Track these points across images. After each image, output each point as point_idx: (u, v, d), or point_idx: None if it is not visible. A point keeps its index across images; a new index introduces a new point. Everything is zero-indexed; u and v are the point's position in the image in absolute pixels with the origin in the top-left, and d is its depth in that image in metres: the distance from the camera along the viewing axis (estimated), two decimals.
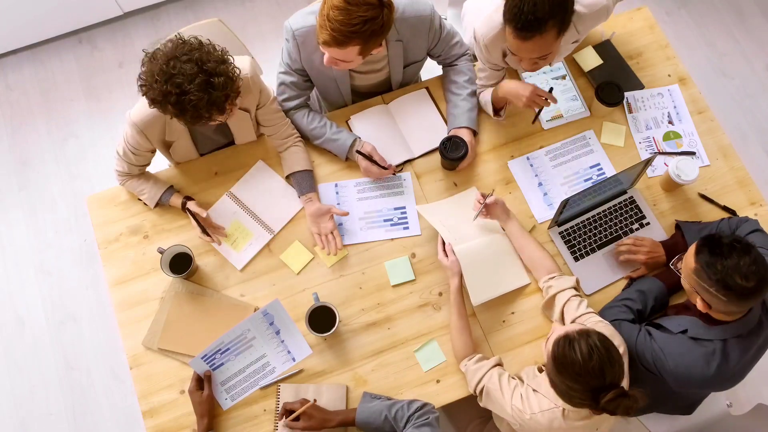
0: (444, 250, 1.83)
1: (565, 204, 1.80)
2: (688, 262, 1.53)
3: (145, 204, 1.96)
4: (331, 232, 1.90)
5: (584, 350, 1.36)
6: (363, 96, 2.13)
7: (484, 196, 1.85)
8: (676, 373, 1.60)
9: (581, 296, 1.75)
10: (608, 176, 1.94)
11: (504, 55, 1.93)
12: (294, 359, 1.81)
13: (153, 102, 1.58)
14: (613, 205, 1.98)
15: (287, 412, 1.70)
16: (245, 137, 1.99)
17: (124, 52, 3.14)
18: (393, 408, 1.65)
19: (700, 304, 1.54)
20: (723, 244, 1.46)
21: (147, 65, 1.57)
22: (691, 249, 1.52)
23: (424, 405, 1.66)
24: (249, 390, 1.79)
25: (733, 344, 1.57)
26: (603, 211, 1.97)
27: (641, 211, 1.97)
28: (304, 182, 1.94)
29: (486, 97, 2.02)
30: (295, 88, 1.96)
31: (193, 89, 1.50)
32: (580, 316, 1.67)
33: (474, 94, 2.04)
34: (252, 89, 1.81)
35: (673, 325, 1.66)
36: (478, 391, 1.69)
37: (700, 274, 1.48)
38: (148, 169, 1.99)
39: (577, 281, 1.78)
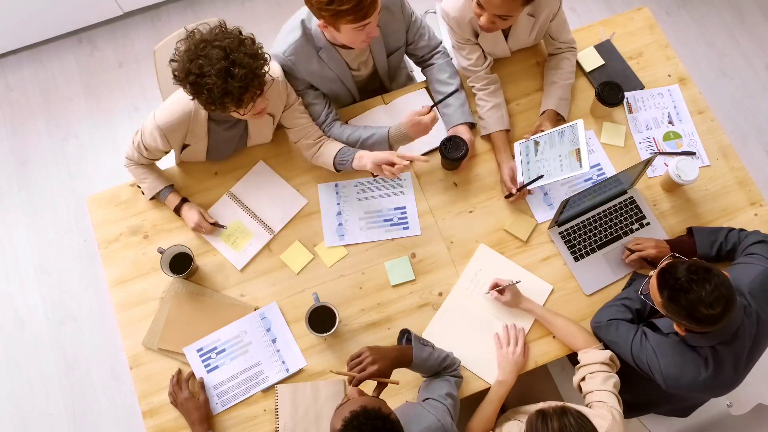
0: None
1: (565, 204, 1.80)
2: (653, 294, 1.51)
3: (142, 193, 1.96)
4: (393, 164, 1.83)
5: (555, 428, 1.33)
6: (366, 92, 2.14)
7: (496, 286, 1.84)
8: (667, 375, 1.60)
9: (610, 372, 1.67)
10: (608, 176, 1.94)
11: (476, 35, 1.97)
12: (288, 370, 1.81)
13: (175, 78, 1.60)
14: (613, 206, 1.98)
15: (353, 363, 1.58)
16: (260, 139, 1.99)
17: (124, 52, 3.14)
18: (442, 361, 1.68)
19: (677, 329, 1.54)
20: (680, 279, 1.43)
21: (183, 41, 1.59)
22: (653, 283, 1.50)
23: (456, 361, 1.73)
24: (240, 397, 1.80)
25: (723, 351, 1.56)
26: (603, 212, 1.97)
27: (641, 211, 1.97)
28: (348, 152, 1.91)
29: (485, 118, 2.03)
30: (320, 103, 1.94)
31: (212, 73, 1.52)
32: (594, 392, 1.63)
33: (461, 87, 2.04)
34: (281, 94, 1.82)
35: (665, 325, 1.67)
36: None
37: (667, 308, 1.48)
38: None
39: (612, 357, 1.69)
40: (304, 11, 1.82)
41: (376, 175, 1.93)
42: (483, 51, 2.02)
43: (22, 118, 3.02)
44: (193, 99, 1.63)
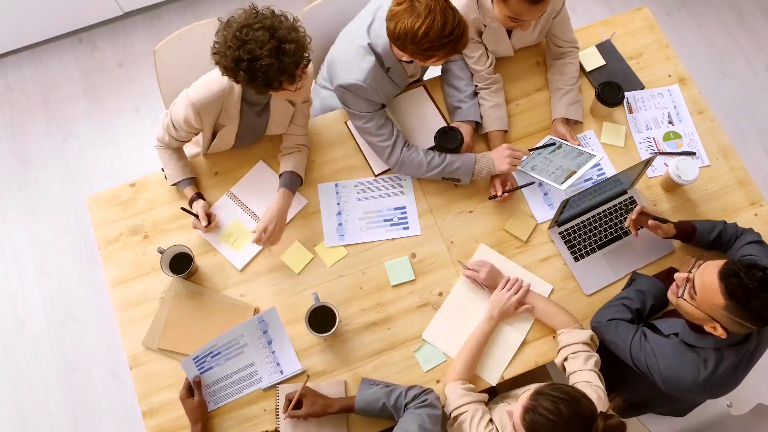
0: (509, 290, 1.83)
1: (565, 204, 1.80)
2: (712, 298, 1.47)
3: (164, 177, 1.97)
4: (277, 230, 1.87)
5: (548, 406, 1.33)
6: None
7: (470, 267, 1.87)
8: (666, 376, 1.59)
9: (590, 351, 1.69)
10: (608, 176, 1.94)
11: (479, 34, 1.97)
12: (282, 372, 1.81)
13: (225, 69, 1.59)
14: (613, 205, 1.98)
15: (289, 402, 1.70)
16: (278, 128, 1.97)
17: (124, 52, 3.14)
18: (392, 395, 1.65)
19: (719, 332, 1.50)
20: (750, 282, 1.42)
21: (221, 33, 1.58)
22: (713, 285, 1.46)
23: (423, 390, 1.65)
24: (233, 396, 1.80)
25: (727, 353, 1.56)
26: (603, 212, 1.97)
27: None
28: (294, 183, 1.94)
29: (485, 117, 2.03)
30: (389, 122, 1.93)
31: (264, 54, 1.52)
32: (577, 372, 1.65)
33: (476, 95, 2.04)
34: (308, 81, 1.83)
35: (665, 327, 1.67)
36: (454, 415, 1.66)
37: (732, 310, 1.44)
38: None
39: (592, 337, 1.73)
40: (361, 36, 1.81)
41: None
42: (486, 50, 2.02)
43: (22, 118, 3.02)
44: (245, 86, 1.62)
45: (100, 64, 3.12)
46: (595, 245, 1.94)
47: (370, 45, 1.81)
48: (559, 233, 1.95)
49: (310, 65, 1.78)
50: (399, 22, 1.66)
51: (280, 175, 1.94)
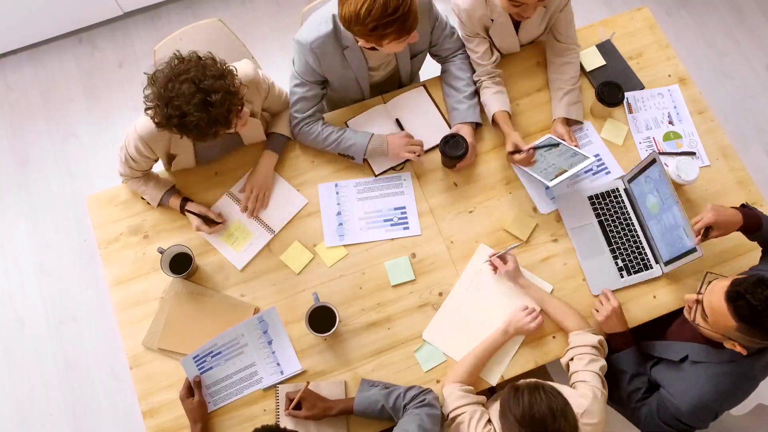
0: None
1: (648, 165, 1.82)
2: (723, 321, 1.46)
3: (148, 203, 1.96)
4: (263, 194, 1.92)
5: (526, 402, 1.36)
6: (377, 91, 2.14)
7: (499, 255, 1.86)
8: (693, 409, 1.57)
9: (597, 355, 1.69)
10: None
11: (486, 30, 1.98)
12: (282, 372, 1.81)
13: (158, 125, 1.57)
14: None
15: (289, 401, 1.71)
16: (254, 138, 1.99)
17: (124, 52, 3.14)
18: (390, 397, 1.65)
19: (739, 349, 1.49)
20: (760, 300, 1.40)
21: (150, 88, 1.55)
22: (722, 308, 1.45)
23: (422, 391, 1.65)
24: (233, 396, 1.80)
25: (744, 362, 1.56)
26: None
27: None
28: (279, 144, 1.96)
29: (488, 102, 2.02)
30: (312, 99, 1.95)
31: (192, 110, 1.49)
32: (578, 372, 1.66)
33: (475, 94, 2.04)
34: (259, 91, 1.82)
35: (672, 354, 1.66)
36: (452, 416, 1.66)
37: (745, 331, 1.44)
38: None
39: (600, 342, 1.72)
40: (335, 5, 1.79)
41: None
42: (491, 45, 2.02)
43: (22, 118, 3.02)
44: (182, 137, 1.62)
45: (100, 64, 3.12)
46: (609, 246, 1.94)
47: (334, 16, 1.80)
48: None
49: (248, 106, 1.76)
50: (344, 5, 1.65)
51: (267, 136, 1.97)
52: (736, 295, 1.42)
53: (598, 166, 2.03)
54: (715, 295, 1.46)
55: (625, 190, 1.98)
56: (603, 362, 1.68)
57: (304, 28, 1.85)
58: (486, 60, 2.02)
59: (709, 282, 1.51)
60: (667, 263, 1.86)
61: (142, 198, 1.96)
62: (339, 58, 1.87)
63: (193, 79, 1.50)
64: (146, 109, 1.57)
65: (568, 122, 2.06)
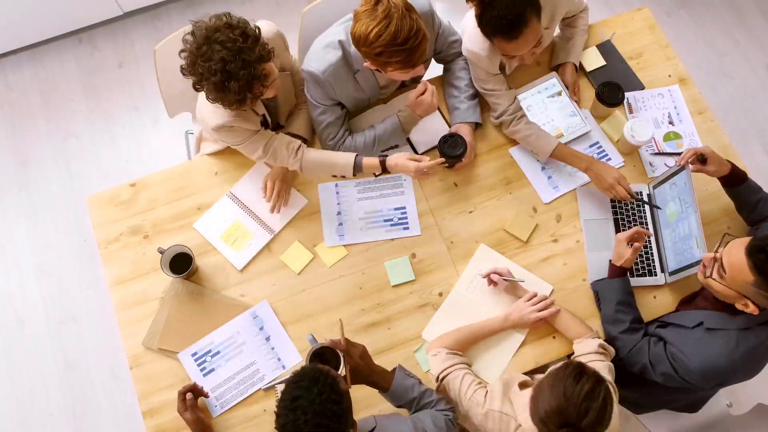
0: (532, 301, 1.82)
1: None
2: (741, 276, 1.48)
3: (342, 177, 1.88)
4: (285, 190, 1.95)
5: (586, 389, 1.32)
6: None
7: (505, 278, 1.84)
8: (703, 370, 1.59)
9: (603, 359, 1.68)
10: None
11: (502, 67, 1.98)
12: (284, 366, 1.81)
13: (201, 77, 1.67)
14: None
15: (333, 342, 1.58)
16: (288, 102, 1.99)
17: (124, 52, 3.14)
18: (424, 396, 1.62)
19: (752, 308, 1.52)
20: None
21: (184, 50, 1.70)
22: (741, 262, 1.48)
23: (450, 407, 1.63)
24: (239, 397, 1.80)
25: (757, 330, 1.58)
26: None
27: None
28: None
29: (529, 138, 1.97)
30: (338, 121, 1.94)
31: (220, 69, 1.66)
32: None
33: (476, 95, 2.04)
34: (282, 48, 1.86)
35: (687, 321, 1.67)
36: (441, 377, 1.67)
37: (761, 286, 1.46)
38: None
39: (602, 345, 1.71)
40: (340, 31, 1.82)
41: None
42: (506, 83, 2.00)
43: (22, 118, 3.02)
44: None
45: (100, 64, 3.12)
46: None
47: (341, 42, 1.80)
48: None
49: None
50: (357, 23, 1.66)
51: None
52: (757, 249, 1.46)
53: (598, 154, 2.04)
54: (736, 249, 1.50)
55: (648, 195, 1.97)
56: (610, 365, 1.67)
57: (311, 58, 1.84)
58: (505, 101, 1.97)
59: (727, 243, 1.55)
60: (672, 273, 1.86)
61: (333, 176, 1.87)
62: (351, 82, 1.89)
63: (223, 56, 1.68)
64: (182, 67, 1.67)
65: (576, 71, 2.07)
